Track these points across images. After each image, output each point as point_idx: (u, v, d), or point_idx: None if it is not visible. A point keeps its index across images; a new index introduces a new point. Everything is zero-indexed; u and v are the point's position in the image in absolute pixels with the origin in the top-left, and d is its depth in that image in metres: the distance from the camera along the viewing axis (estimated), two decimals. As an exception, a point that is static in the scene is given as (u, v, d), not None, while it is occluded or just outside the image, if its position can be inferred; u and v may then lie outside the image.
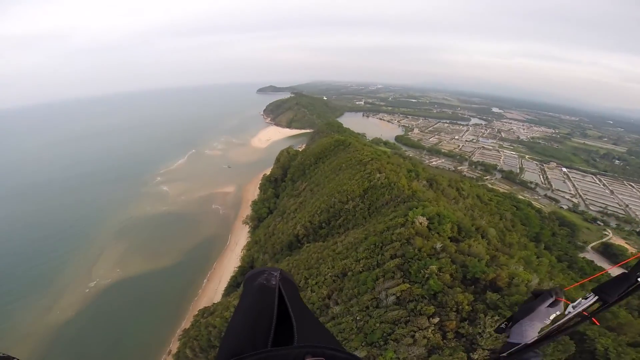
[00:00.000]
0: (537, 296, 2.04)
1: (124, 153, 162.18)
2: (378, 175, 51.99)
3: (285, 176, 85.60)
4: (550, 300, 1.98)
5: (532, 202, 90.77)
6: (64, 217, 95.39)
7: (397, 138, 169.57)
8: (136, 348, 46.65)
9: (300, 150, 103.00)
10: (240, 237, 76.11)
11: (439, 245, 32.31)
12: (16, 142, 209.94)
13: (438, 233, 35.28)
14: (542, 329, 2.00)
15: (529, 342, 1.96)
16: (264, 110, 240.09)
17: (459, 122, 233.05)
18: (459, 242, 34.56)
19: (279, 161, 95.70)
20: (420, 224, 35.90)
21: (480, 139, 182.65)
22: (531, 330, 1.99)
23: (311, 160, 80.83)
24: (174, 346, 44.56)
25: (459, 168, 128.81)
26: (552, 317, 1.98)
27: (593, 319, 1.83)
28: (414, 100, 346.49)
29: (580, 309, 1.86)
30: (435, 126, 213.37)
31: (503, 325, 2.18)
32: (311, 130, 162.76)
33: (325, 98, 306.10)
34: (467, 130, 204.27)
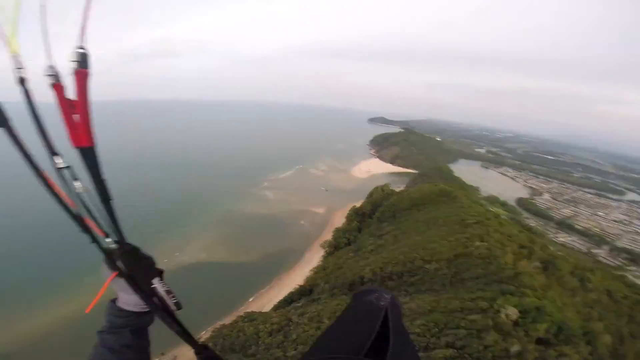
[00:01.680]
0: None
1: (245, 155, 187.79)
2: (478, 243, 45.25)
3: (373, 213, 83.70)
4: None
5: None
6: (179, 196, 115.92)
7: (520, 201, 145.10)
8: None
9: (397, 190, 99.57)
10: (313, 259, 77.54)
11: (514, 349, 25.51)
12: (169, 127, 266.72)
13: (526, 332, 28.11)
14: None
15: None
16: (371, 141, 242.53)
17: (607, 195, 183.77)
18: (549, 347, 26.98)
19: (371, 196, 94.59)
20: (507, 316, 29.49)
21: (636, 221, 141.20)
22: None
23: (405, 205, 76.91)
24: (206, 335, 47.23)
25: (593, 251, 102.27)
26: None
27: None
28: (550, 158, 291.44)
29: None
30: (573, 195, 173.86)
31: None
32: (416, 172, 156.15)
33: (439, 139, 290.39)
34: (617, 207, 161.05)
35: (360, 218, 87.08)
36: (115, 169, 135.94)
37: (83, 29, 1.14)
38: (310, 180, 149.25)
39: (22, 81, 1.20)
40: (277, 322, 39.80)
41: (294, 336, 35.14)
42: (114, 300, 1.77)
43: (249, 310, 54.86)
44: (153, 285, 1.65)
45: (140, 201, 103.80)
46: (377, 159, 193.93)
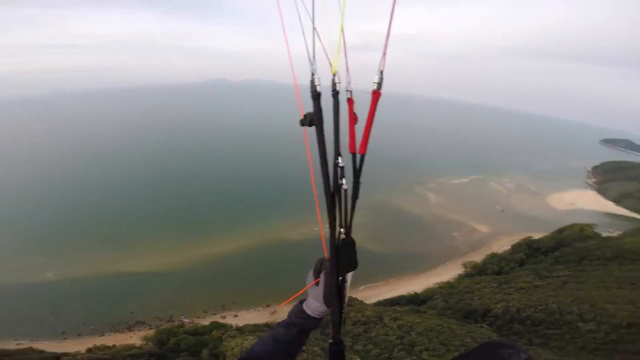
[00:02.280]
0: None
1: (421, 150, 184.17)
2: None
3: (552, 252, 65.36)
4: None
5: None
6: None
7: None
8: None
9: (602, 235, 72.56)
10: (446, 273, 70.88)
11: None
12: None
13: None
14: None
15: None
16: (594, 168, 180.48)
17: None
18: None
19: (559, 232, 73.43)
20: None
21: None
22: None
23: (604, 254, 55.74)
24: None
25: None
26: None
27: None
28: None
29: None
30: None
31: None
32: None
33: None
34: None
35: (531, 252, 69.91)
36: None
37: (384, 54, 1.45)
38: (486, 193, 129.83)
39: (317, 95, 1.56)
40: (368, 315, 40.06)
41: (373, 334, 34.75)
42: (301, 302, 2.12)
43: (355, 296, 56.81)
44: (346, 282, 1.93)
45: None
46: (595, 192, 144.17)
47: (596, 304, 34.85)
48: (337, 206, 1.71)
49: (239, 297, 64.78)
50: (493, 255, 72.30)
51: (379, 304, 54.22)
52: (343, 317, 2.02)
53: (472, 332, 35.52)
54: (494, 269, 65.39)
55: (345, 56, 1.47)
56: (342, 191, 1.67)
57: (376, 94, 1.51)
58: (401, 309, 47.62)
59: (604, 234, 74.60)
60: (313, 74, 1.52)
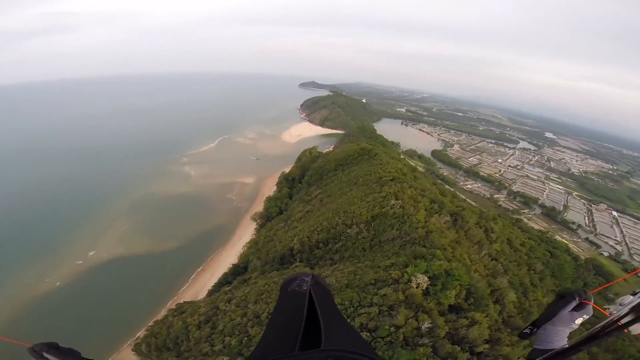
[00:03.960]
0: (562, 297, 1.91)
1: (160, 130, 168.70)
2: (393, 202, 46.82)
3: (302, 177, 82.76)
4: (575, 303, 1.87)
5: (570, 246, 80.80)
6: (85, 183, 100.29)
7: (434, 153, 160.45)
8: (107, 328, 46.18)
9: (323, 152, 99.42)
10: (245, 233, 74.53)
11: (425, 326, 26.35)
12: (67, 110, 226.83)
13: (437, 301, 29.29)
14: (572, 335, 1.88)
15: (558, 350, 1.84)
16: (301, 105, 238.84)
17: (505, 144, 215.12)
18: (461, 313, 28.92)
19: (299, 160, 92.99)
20: (418, 286, 29.92)
21: (526, 166, 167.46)
22: (556, 336, 1.89)
23: (331, 166, 77.11)
24: (142, 334, 43.51)
25: (495, 196, 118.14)
26: (577, 322, 1.89)
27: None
28: (459, 114, 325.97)
29: (617, 316, 1.77)
30: (478, 145, 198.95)
31: (527, 330, 2.01)
32: (343, 132, 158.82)
33: (364, 100, 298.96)
34: (512, 154, 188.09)
35: (291, 184, 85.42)
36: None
37: None
38: (237, 150, 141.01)
39: None
40: (204, 312, 37.02)
41: (221, 327, 33.07)
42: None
43: (182, 300, 51.26)
44: None
45: (35, 202, 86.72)
46: (308, 122, 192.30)
47: (347, 209, 48.61)
48: None
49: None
50: (268, 199, 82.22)
51: (210, 292, 51.74)
52: None
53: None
54: (275, 210, 75.04)
55: None
56: None
57: None
58: (229, 287, 47.11)
59: (325, 151, 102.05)
60: None
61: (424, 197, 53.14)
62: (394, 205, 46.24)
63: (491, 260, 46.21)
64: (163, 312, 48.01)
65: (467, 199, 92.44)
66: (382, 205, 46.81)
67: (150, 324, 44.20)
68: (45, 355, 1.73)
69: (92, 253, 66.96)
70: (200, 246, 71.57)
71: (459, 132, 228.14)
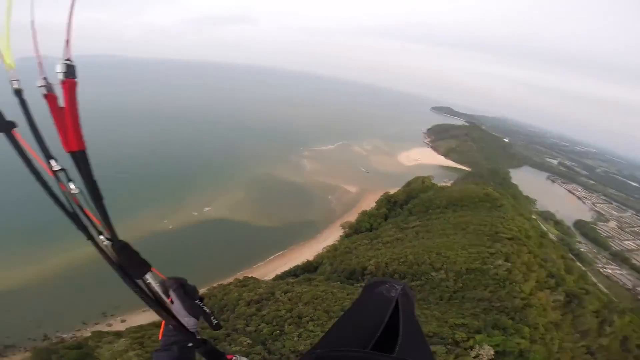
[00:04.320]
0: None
1: (290, 123, 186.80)
2: (500, 262, 38.24)
3: (406, 204, 76.96)
4: None
5: None
6: (223, 152, 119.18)
7: (578, 223, 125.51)
8: (189, 276, 52.07)
9: (437, 185, 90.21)
10: (330, 237, 75.68)
11: None
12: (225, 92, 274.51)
13: None
14: None
15: None
16: (428, 130, 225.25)
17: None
18: None
19: (408, 186, 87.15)
20: (477, 357, 24.40)
21: None
22: None
23: (442, 202, 69.01)
24: (202, 290, 47.48)
25: (638, 288, 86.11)
26: None
27: None
28: (634, 184, 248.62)
29: None
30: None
31: None
32: (468, 170, 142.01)
33: (506, 140, 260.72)
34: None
35: (391, 206, 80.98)
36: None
37: (68, 41, 1.21)
38: (351, 157, 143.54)
39: (18, 92, 1.29)
40: (261, 292, 37.82)
41: (265, 312, 33.03)
42: (172, 323, 1.92)
43: (251, 274, 54.65)
44: (147, 281, 1.75)
45: (176, 157, 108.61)
46: (430, 149, 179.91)
47: (441, 252, 42.19)
48: (82, 214, 1.49)
49: (121, 301, 52.69)
50: (364, 213, 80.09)
51: (277, 278, 53.62)
52: (205, 313, 1.96)
53: (352, 294, 37.28)
54: (366, 226, 72.61)
55: (36, 46, 1.23)
56: (71, 196, 1.44)
57: (67, 84, 1.29)
58: (294, 280, 47.86)
59: (440, 184, 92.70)
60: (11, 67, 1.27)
61: (542, 267, 42.14)
62: (499, 266, 37.93)
63: (586, 353, 33.66)
64: (230, 279, 52.15)
65: (598, 284, 71.01)
66: (485, 262, 39.27)
67: (214, 285, 48.23)
68: (172, 292, 1.83)
69: (207, 209, 78.63)
70: (288, 233, 76.00)
71: (623, 207, 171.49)
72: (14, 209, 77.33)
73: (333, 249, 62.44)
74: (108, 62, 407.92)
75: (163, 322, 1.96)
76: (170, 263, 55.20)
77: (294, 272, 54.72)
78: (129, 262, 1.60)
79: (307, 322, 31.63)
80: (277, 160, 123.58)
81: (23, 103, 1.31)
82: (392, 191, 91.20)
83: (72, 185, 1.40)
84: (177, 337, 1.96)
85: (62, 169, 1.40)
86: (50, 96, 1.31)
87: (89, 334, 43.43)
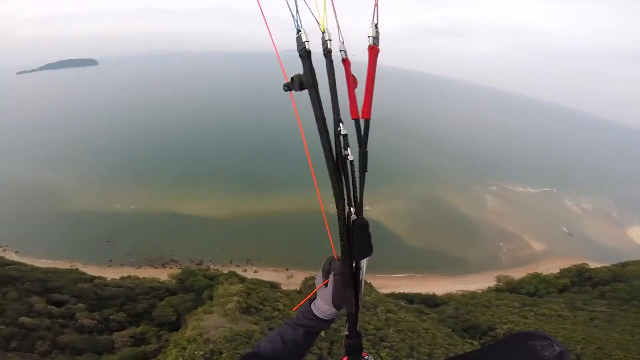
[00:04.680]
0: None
1: (487, 147, 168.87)
2: None
3: (603, 285, 56.45)
4: None
5: None
6: (399, 160, 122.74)
7: None
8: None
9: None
10: (476, 283, 66.88)
11: None
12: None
13: None
14: None
15: None
16: None
17: None
18: None
19: (624, 267, 62.65)
20: None
21: None
22: None
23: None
24: None
25: None
26: None
27: None
28: None
29: None
30: None
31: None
32: None
33: None
34: None
35: (580, 280, 61.26)
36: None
37: (376, 6, 1.32)
38: (556, 211, 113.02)
39: (308, 53, 1.37)
40: (365, 300, 39.78)
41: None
42: (311, 301, 2.13)
43: (370, 281, 55.99)
44: (361, 266, 1.81)
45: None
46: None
47: (605, 347, 30.06)
48: (343, 182, 1.53)
49: (265, 255, 70.02)
50: (535, 276, 65.29)
51: (390, 295, 53.78)
52: (359, 309, 1.95)
53: (453, 345, 34.15)
54: (529, 289, 59.71)
55: (335, 12, 1.33)
56: (348, 163, 1.50)
57: (373, 50, 1.39)
58: (405, 304, 46.86)
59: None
60: (299, 30, 1.34)
61: None
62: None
63: None
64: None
65: None
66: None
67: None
68: (332, 276, 1.91)
69: (367, 208, 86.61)
70: (432, 260, 74.32)
71: None
72: (265, 158, 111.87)
73: (470, 295, 56.05)
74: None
75: (307, 297, 2.07)
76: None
77: (411, 298, 53.22)
78: (359, 241, 1.62)
79: (384, 348, 31.31)
80: (454, 185, 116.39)
81: (330, 64, 1.35)
82: (593, 265, 68.01)
83: (348, 151, 1.44)
84: (310, 322, 2.05)
85: (345, 134, 1.44)
86: (346, 62, 1.40)
87: (226, 271, 54.54)
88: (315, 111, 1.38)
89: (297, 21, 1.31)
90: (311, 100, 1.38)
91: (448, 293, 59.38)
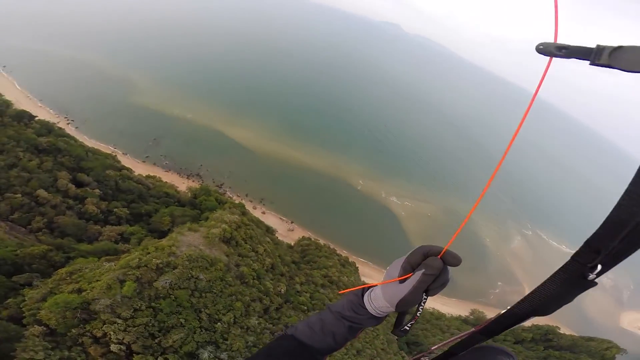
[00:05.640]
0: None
1: (537, 186, 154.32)
2: None
3: (554, 346, 57.37)
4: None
5: None
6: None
7: None
8: None
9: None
10: (450, 308, 70.15)
11: None
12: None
13: None
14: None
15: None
16: None
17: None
18: None
19: (584, 339, 61.18)
20: None
21: None
22: None
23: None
24: None
25: None
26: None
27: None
28: None
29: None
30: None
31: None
32: None
33: None
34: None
35: (541, 339, 61.85)
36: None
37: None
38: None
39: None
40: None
41: None
42: (363, 293, 1.85)
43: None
44: (423, 299, 1.57)
45: None
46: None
47: None
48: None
49: (279, 201, 75.22)
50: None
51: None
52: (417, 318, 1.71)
53: (385, 352, 38.73)
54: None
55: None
56: None
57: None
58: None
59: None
60: None
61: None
62: None
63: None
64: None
65: None
66: None
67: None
68: (418, 273, 1.54)
69: (394, 199, 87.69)
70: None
71: None
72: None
73: (437, 316, 58.95)
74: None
75: (367, 285, 1.82)
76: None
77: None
78: (562, 296, 1.35)
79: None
80: (491, 214, 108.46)
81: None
82: (564, 330, 66.66)
83: None
84: (357, 317, 1.82)
85: None
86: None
87: (237, 202, 56.83)
88: None
89: None
90: None
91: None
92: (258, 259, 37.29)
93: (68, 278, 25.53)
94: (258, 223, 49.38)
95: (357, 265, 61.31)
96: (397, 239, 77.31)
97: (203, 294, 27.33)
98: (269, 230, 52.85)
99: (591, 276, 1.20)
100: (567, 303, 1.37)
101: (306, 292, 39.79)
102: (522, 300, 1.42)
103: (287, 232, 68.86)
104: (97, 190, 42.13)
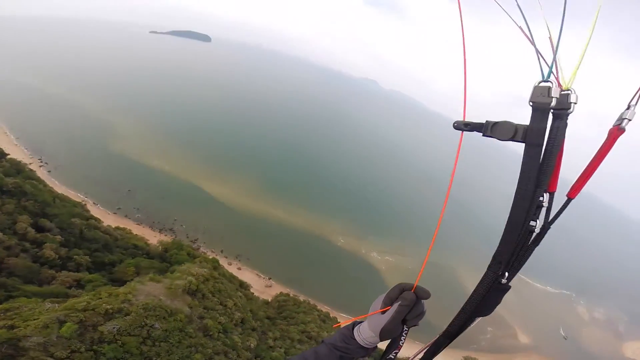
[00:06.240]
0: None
1: None
2: None
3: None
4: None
5: None
6: None
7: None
8: None
9: None
10: (440, 356, 63.21)
11: None
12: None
13: None
14: None
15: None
16: None
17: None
18: None
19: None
20: None
21: None
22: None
23: None
24: None
25: None
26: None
27: None
28: None
29: None
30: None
31: None
32: None
33: None
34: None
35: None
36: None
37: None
38: (560, 314, 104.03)
39: (547, 111, 1.27)
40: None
41: None
42: (353, 326, 2.09)
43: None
44: (404, 330, 1.89)
45: None
46: None
47: None
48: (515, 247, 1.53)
49: (255, 257, 72.63)
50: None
51: None
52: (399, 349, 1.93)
53: None
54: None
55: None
56: (529, 234, 1.48)
57: (616, 133, 1.21)
58: None
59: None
60: (547, 81, 1.22)
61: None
62: None
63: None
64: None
65: None
66: None
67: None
68: (396, 305, 1.92)
69: (375, 254, 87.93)
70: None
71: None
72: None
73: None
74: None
75: (355, 319, 2.06)
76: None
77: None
78: (490, 302, 1.66)
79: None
80: (475, 261, 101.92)
81: (563, 127, 1.25)
82: None
83: (537, 223, 1.39)
84: (347, 346, 1.97)
85: (544, 206, 1.37)
86: (615, 133, 1.22)
87: (211, 257, 53.77)
88: (526, 172, 1.31)
89: (548, 69, 1.20)
90: (527, 159, 1.27)
91: (406, 357, 58.11)
92: (226, 312, 35.61)
93: (2, 315, 23.59)
94: (231, 278, 47.78)
95: (338, 321, 57.90)
96: (379, 294, 73.75)
97: (157, 343, 24.89)
98: (243, 286, 50.85)
99: (504, 281, 1.60)
100: (497, 304, 1.72)
101: (280, 348, 37.20)
102: (464, 304, 1.75)
103: (265, 289, 66.35)
104: (59, 237, 40.00)
